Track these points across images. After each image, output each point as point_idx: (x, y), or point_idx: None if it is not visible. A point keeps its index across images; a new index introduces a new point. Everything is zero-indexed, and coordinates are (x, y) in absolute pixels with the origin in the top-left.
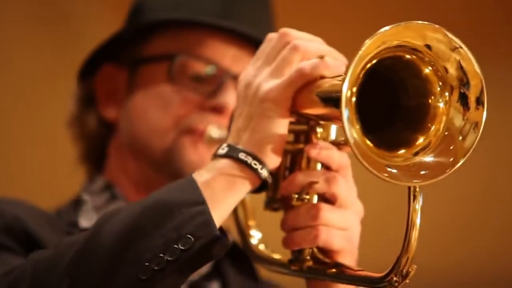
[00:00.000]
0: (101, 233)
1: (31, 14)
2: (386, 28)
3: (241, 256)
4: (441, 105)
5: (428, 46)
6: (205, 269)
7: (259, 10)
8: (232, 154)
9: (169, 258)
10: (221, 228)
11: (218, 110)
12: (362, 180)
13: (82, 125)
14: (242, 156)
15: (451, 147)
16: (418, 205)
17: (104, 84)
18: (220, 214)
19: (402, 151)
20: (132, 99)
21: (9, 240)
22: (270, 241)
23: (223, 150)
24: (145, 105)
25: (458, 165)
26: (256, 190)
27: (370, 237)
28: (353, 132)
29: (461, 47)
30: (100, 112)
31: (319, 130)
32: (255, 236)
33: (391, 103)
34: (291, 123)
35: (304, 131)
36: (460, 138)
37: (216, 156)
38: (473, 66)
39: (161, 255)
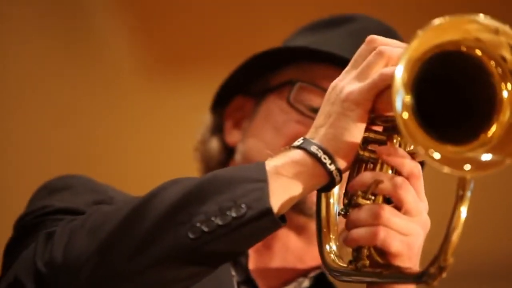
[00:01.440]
0: (160, 194)
1: (41, 8)
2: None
3: None
4: (505, 94)
5: (476, 38)
6: None
7: None
8: (304, 146)
9: (220, 223)
10: (282, 216)
11: None
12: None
13: (205, 149)
14: (313, 149)
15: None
16: (464, 196)
17: (234, 113)
18: (280, 198)
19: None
20: (253, 122)
21: None
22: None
23: (298, 142)
24: (261, 125)
25: None
26: (325, 188)
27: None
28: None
29: (503, 29)
30: (225, 137)
31: (397, 138)
32: (331, 246)
33: (452, 101)
34: (373, 131)
35: (383, 140)
36: None
37: (290, 147)
38: None
39: (213, 219)
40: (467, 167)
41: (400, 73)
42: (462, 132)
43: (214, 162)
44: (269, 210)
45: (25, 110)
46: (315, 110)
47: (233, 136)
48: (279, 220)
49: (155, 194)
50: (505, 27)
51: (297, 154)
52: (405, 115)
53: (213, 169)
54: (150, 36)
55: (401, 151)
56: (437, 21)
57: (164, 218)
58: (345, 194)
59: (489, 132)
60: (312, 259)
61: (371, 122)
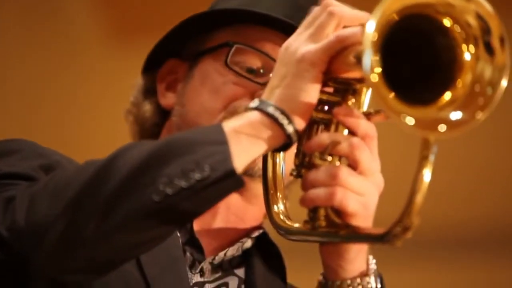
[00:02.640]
0: (121, 157)
1: (23, 7)
2: None
3: (273, 253)
4: (468, 58)
5: (446, 1)
6: (234, 258)
7: None
8: (261, 107)
9: (184, 185)
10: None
11: None
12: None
13: (139, 112)
14: (270, 110)
15: (479, 100)
16: (428, 158)
17: (166, 76)
18: (240, 159)
19: (427, 106)
20: (188, 85)
21: (44, 176)
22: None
23: (254, 103)
24: (198, 88)
25: (483, 117)
26: (282, 148)
27: (385, 196)
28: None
29: None
30: (159, 100)
31: (352, 100)
32: (279, 206)
33: (418, 61)
34: (326, 93)
35: (337, 102)
36: (489, 89)
37: (246, 108)
38: (489, 10)
39: (176, 181)
40: (442, 127)
41: (370, 32)
42: (426, 93)
43: (148, 124)
44: (233, 171)
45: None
46: (252, 71)
47: (167, 99)
48: (242, 180)
49: (116, 157)
50: None
51: (255, 115)
52: (374, 77)
53: (148, 131)
54: (111, 6)
55: (356, 112)
56: None
57: (127, 181)
58: (297, 155)
59: (454, 92)
60: (253, 219)
61: (323, 83)
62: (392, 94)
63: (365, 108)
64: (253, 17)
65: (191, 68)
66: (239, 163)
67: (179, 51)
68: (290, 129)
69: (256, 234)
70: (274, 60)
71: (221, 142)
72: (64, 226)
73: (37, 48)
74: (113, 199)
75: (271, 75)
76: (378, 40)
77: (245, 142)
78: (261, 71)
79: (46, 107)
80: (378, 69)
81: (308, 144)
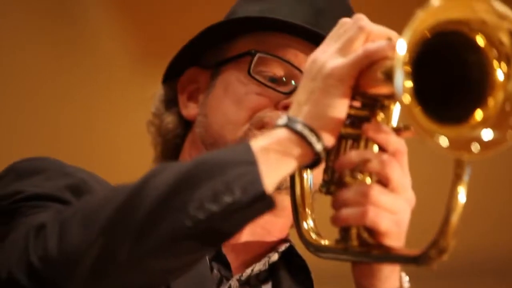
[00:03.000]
0: (151, 181)
1: (34, 8)
2: (436, 1)
3: (300, 266)
4: (500, 77)
5: (479, 18)
6: (261, 273)
7: None
8: (290, 125)
9: (215, 209)
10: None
11: None
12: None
13: (161, 124)
14: (299, 127)
15: (511, 120)
16: (462, 178)
17: (187, 85)
18: (270, 179)
19: (458, 125)
20: (211, 95)
21: (71, 196)
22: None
23: (283, 120)
24: (221, 99)
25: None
26: (310, 165)
27: (419, 218)
28: (406, 87)
29: (509, 14)
30: (181, 110)
31: (381, 115)
32: (308, 222)
33: (449, 77)
34: (354, 107)
35: (366, 117)
36: None
37: (275, 126)
38: None
39: (207, 205)
40: (476, 148)
41: (402, 52)
42: (458, 112)
43: (171, 135)
44: (263, 194)
45: (19, 100)
46: (275, 80)
47: (190, 109)
48: (273, 202)
49: (146, 181)
50: (509, 12)
51: (283, 133)
52: (406, 98)
53: (170, 142)
54: (140, 28)
55: (385, 127)
56: (436, 2)
57: (158, 207)
58: (326, 171)
59: (485, 110)
60: (279, 231)
61: (352, 98)
62: (423, 114)
63: (394, 122)
64: (274, 25)
65: (213, 77)
66: (269, 183)
67: (199, 59)
68: (319, 147)
69: (283, 248)
70: (297, 68)
71: (250, 162)
72: (97, 254)
73: (63, 69)
74: (145, 225)
75: (293, 83)
76: (409, 59)
77: (274, 161)
78: (284, 79)
79: (70, 127)
80: (410, 90)
81: (338, 162)
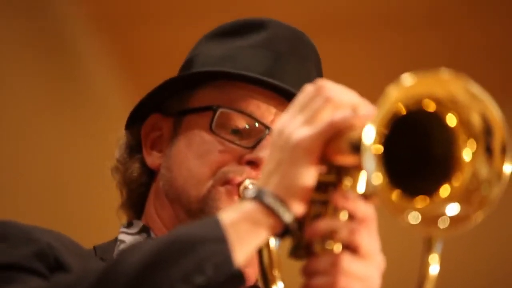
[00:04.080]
0: (121, 263)
1: (31, 43)
2: (408, 78)
3: None
4: (467, 155)
5: (452, 97)
6: None
7: (306, 70)
8: (259, 197)
9: None
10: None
11: (255, 163)
12: (383, 231)
13: (126, 171)
14: (268, 200)
15: (475, 199)
16: (432, 255)
17: (150, 133)
18: (241, 254)
19: (424, 199)
20: (174, 147)
21: (40, 265)
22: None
23: (252, 192)
24: (184, 153)
25: (480, 218)
26: (280, 235)
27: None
28: (374, 168)
29: (483, 96)
30: (145, 159)
31: (348, 181)
32: (278, 286)
33: (418, 153)
34: (321, 173)
35: (333, 182)
36: (484, 189)
37: (244, 197)
38: (496, 116)
39: (180, 286)
40: (443, 223)
41: (369, 140)
42: (424, 187)
43: (136, 185)
44: (235, 272)
45: (17, 143)
46: (238, 132)
47: (153, 158)
48: (244, 279)
49: (117, 262)
50: (489, 100)
51: (252, 206)
52: (378, 180)
53: (135, 192)
54: (135, 74)
55: (353, 194)
56: (409, 79)
57: None
58: (294, 237)
59: (452, 187)
60: (248, 279)
61: (319, 166)
62: (392, 189)
63: (362, 187)
64: (235, 77)
65: (176, 127)
66: (240, 258)
67: (162, 106)
68: (288, 218)
69: None
70: (259, 121)
71: (221, 240)
72: None
73: (58, 111)
74: None
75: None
76: (379, 135)
77: (244, 235)
78: (247, 127)
79: (65, 170)
80: (379, 177)
81: (307, 232)
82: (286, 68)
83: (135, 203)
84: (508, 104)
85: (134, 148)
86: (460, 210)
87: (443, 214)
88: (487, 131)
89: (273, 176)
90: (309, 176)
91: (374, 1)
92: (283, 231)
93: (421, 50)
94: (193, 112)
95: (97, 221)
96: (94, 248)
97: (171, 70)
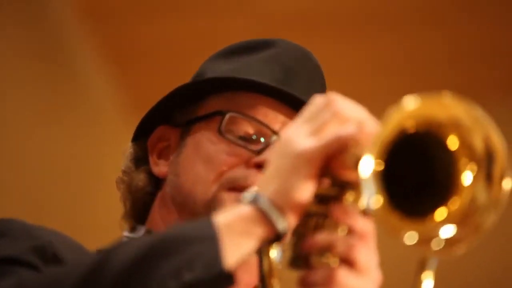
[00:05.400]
0: (112, 257)
1: (29, 49)
2: (410, 101)
3: None
4: (467, 179)
5: (455, 120)
6: None
7: (314, 88)
8: (255, 201)
9: (176, 287)
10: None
11: (262, 166)
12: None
13: (132, 182)
14: (264, 205)
15: (471, 223)
16: (425, 273)
17: (157, 143)
18: (232, 256)
19: (421, 221)
20: (182, 153)
21: (36, 259)
22: None
23: (248, 196)
24: (192, 158)
25: (474, 243)
26: (273, 241)
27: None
28: (373, 191)
29: (486, 121)
30: (151, 168)
31: (350, 195)
32: None
33: (418, 174)
34: (324, 186)
35: (335, 196)
36: (480, 215)
37: (241, 201)
38: (498, 142)
39: (169, 282)
40: (436, 245)
41: (368, 172)
42: (421, 208)
43: (141, 194)
44: (224, 273)
45: (11, 149)
46: (245, 139)
47: (160, 167)
48: (233, 280)
49: (106, 257)
50: (485, 119)
51: (248, 210)
52: (377, 204)
53: (140, 200)
54: (130, 80)
55: (353, 210)
56: (411, 101)
57: (120, 284)
58: (292, 248)
59: (448, 210)
60: (245, 285)
61: (321, 178)
62: (390, 209)
63: (363, 203)
64: (243, 84)
65: (183, 135)
66: (231, 259)
67: (169, 118)
68: (282, 226)
69: None
70: (267, 127)
71: (212, 239)
72: None
73: (55, 121)
74: None
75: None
76: (379, 154)
77: (236, 238)
78: (254, 137)
79: (61, 179)
80: (381, 200)
81: (305, 245)
82: (294, 81)
83: (139, 212)
84: (507, 102)
85: (140, 159)
86: (455, 233)
87: (438, 236)
88: (489, 157)
89: (272, 182)
90: (308, 187)
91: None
92: (275, 239)
93: (416, 49)
94: (201, 119)
95: (92, 222)
96: (97, 250)
97: (160, 63)
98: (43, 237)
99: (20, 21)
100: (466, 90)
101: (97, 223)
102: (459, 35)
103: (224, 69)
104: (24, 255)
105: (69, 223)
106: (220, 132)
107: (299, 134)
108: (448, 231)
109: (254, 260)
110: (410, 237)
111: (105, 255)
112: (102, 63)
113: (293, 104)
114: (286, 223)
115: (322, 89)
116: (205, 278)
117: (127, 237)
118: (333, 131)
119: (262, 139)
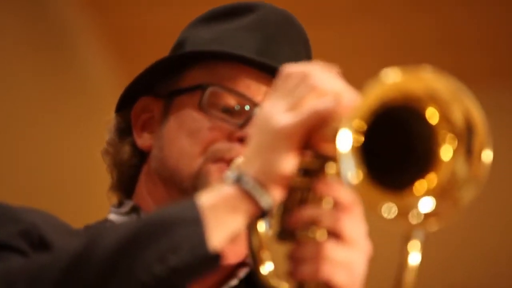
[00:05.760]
0: (97, 243)
1: (30, 39)
2: (389, 75)
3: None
4: (447, 152)
5: (434, 93)
6: None
7: (295, 52)
8: (238, 180)
9: (162, 273)
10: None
11: (245, 140)
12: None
13: (116, 154)
14: (247, 184)
15: (450, 197)
16: (411, 242)
17: (140, 114)
18: (218, 236)
19: (400, 194)
20: (165, 127)
21: (23, 243)
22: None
23: (230, 175)
24: (175, 132)
25: (453, 218)
26: (260, 217)
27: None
28: (351, 166)
29: (466, 95)
30: (135, 141)
31: (331, 168)
32: (267, 267)
33: (397, 148)
34: (307, 159)
35: (317, 168)
36: (459, 189)
37: (224, 179)
38: (479, 116)
39: (154, 269)
40: (416, 218)
41: (346, 148)
42: (400, 181)
43: (126, 166)
44: (210, 255)
45: (13, 136)
46: (228, 110)
47: (144, 139)
48: (219, 262)
49: (91, 245)
50: (465, 92)
51: (231, 190)
52: (356, 179)
53: (125, 173)
54: (132, 69)
55: (336, 182)
56: (389, 75)
57: (104, 273)
58: (278, 222)
59: (428, 183)
60: (235, 255)
61: (303, 152)
62: (369, 183)
63: None
64: (225, 56)
65: (166, 107)
66: (217, 240)
67: (152, 88)
68: (266, 203)
69: (242, 274)
70: (249, 99)
71: (197, 221)
72: None
73: (55, 104)
74: None
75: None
76: (358, 127)
77: (221, 217)
78: (237, 107)
79: (60, 159)
80: (358, 176)
81: (290, 220)
82: (275, 49)
83: (126, 184)
84: (497, 87)
85: (124, 130)
86: (434, 207)
87: (417, 209)
88: (469, 130)
89: (254, 160)
90: (289, 162)
91: None
92: (261, 215)
93: (405, 33)
94: (183, 92)
95: (93, 207)
96: (84, 227)
97: (163, 52)
98: (26, 219)
99: (22, 9)
100: (457, 75)
101: (98, 210)
102: (448, 20)
103: (206, 38)
104: (10, 240)
105: (71, 210)
106: (201, 108)
107: (278, 110)
108: (427, 204)
109: (243, 232)
110: (388, 210)
111: (90, 241)
112: (104, 52)
113: (275, 73)
114: (271, 199)
115: (307, 55)
116: (191, 261)
117: (114, 212)
118: (311, 105)
119: (246, 107)
